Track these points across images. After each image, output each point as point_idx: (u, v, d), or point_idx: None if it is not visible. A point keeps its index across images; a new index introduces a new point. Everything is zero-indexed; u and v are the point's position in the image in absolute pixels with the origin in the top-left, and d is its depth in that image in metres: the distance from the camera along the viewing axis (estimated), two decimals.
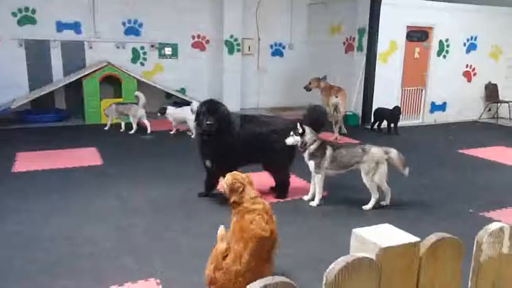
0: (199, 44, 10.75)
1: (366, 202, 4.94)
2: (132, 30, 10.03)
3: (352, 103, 9.97)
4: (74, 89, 9.17)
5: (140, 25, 10.06)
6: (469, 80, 10.67)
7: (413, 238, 1.22)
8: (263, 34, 11.29)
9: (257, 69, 11.43)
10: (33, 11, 9.13)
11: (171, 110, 8.09)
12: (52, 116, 9.05)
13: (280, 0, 11.40)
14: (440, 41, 10.01)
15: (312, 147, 4.69)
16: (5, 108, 8.57)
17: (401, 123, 9.11)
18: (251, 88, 11.38)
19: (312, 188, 4.90)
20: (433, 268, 1.28)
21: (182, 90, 10.50)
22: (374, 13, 9.21)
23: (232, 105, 10.53)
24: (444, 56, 10.15)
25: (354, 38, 10.10)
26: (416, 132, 9.40)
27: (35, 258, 3.52)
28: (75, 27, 9.52)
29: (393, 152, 4.72)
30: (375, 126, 9.14)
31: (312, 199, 4.89)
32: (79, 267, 3.40)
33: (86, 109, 8.92)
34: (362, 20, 9.62)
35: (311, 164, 4.75)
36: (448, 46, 10.12)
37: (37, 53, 9.30)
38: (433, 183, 5.84)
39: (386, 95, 9.54)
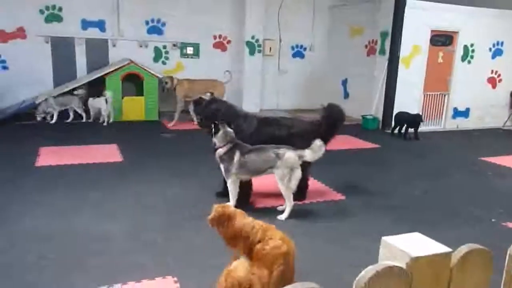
0: (220, 45, 10.80)
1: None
2: (155, 29, 10.14)
3: (373, 107, 9.88)
4: (97, 86, 9.30)
5: (163, 24, 10.16)
6: (494, 87, 10.46)
7: (444, 248, 1.20)
8: (284, 36, 11.28)
9: (278, 70, 11.43)
10: (60, 9, 9.31)
11: (91, 101, 8.82)
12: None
13: (302, 2, 11.37)
14: (465, 46, 9.83)
15: (221, 150, 4.43)
16: (30, 103, 8.76)
17: (422, 128, 8.99)
18: (271, 89, 11.38)
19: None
20: (463, 279, 1.26)
21: None
22: (397, 17, 9.10)
23: (252, 106, 10.59)
24: (469, 62, 9.97)
25: (376, 41, 10.00)
26: (437, 137, 9.26)
27: (51, 252, 3.58)
28: (100, 25, 9.68)
29: (307, 154, 4.36)
30: (396, 131, 9.02)
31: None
32: (95, 262, 3.44)
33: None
34: (385, 23, 9.52)
35: (221, 168, 4.51)
36: (473, 51, 9.94)
37: (62, 50, 9.48)
38: (453, 189, 5.74)
39: (407, 100, 9.42)
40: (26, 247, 3.66)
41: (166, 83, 9.00)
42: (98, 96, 8.78)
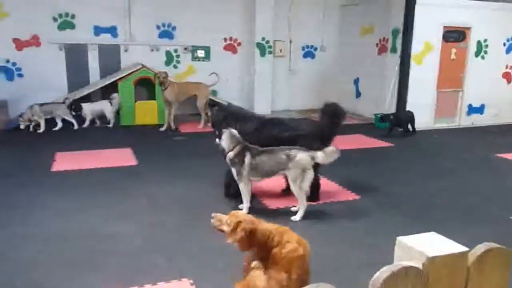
0: (231, 47, 10.83)
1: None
2: (166, 33, 10.20)
3: (386, 106, 9.80)
4: (110, 91, 9.41)
5: (174, 28, 10.23)
6: (509, 81, 10.30)
7: (461, 248, 1.19)
8: (295, 36, 11.26)
9: (289, 71, 11.43)
10: (73, 16, 9.43)
11: (86, 106, 8.88)
12: None
13: (312, 2, 11.34)
14: (478, 42, 9.70)
15: (231, 153, 4.39)
16: None
17: (436, 125, 8.86)
18: (282, 90, 11.38)
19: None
20: (481, 279, 1.24)
21: (214, 92, 10.59)
22: (408, 14, 9.02)
23: (263, 107, 10.60)
24: (483, 57, 9.83)
25: (387, 40, 9.93)
26: (452, 135, 9.15)
27: (66, 255, 3.62)
28: (112, 31, 9.78)
29: (319, 156, 4.32)
30: (409, 128, 8.93)
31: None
32: (111, 264, 3.48)
33: (121, 110, 9.15)
34: (395, 21, 9.45)
35: (233, 171, 4.48)
36: (486, 46, 9.79)
37: (75, 56, 9.60)
38: (469, 187, 5.66)
39: (420, 98, 9.33)
40: (40, 247, 3.72)
41: (164, 77, 8.57)
42: (95, 101, 8.98)
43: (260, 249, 2.77)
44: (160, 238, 3.97)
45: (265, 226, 2.85)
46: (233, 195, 4.85)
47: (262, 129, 4.96)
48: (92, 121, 9.01)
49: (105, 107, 8.90)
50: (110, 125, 8.92)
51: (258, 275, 2.64)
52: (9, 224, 4.21)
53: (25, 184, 5.37)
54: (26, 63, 9.26)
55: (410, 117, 8.96)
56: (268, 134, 4.87)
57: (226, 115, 5.12)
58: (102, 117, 9.04)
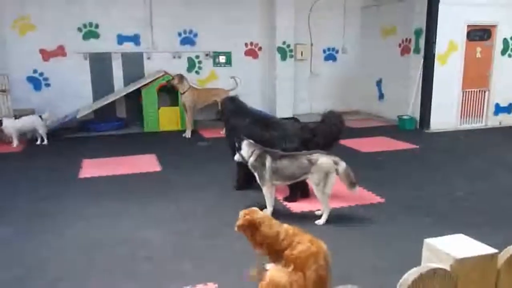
0: (252, 52, 10.88)
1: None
2: (188, 40, 10.34)
3: (410, 107, 9.66)
4: (134, 98, 9.58)
5: (195, 35, 10.35)
6: None
7: (489, 250, 1.16)
8: (316, 39, 11.23)
9: (310, 73, 11.39)
10: (97, 26, 9.67)
11: (9, 122, 7.83)
12: (113, 125, 9.50)
13: (333, 4, 11.29)
14: (504, 39, 9.47)
15: (251, 159, 4.50)
16: (71, 117, 9.11)
17: (462, 126, 8.68)
18: (304, 94, 11.35)
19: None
20: (511, 281, 1.22)
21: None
22: (432, 13, 8.90)
23: (285, 111, 10.60)
24: (510, 55, 9.60)
25: (409, 40, 9.80)
26: (479, 135, 8.94)
27: (97, 261, 3.69)
28: (135, 39, 9.97)
29: (341, 166, 4.31)
30: None
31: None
32: (139, 270, 3.53)
33: (145, 117, 9.30)
34: (418, 21, 9.32)
35: (256, 175, 4.55)
36: None
37: (100, 65, 9.83)
38: (498, 189, 5.52)
39: (445, 98, 9.18)
40: (73, 255, 3.80)
41: (173, 78, 8.76)
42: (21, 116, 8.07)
43: (270, 250, 2.87)
44: (187, 244, 4.00)
45: (275, 226, 2.94)
46: (243, 187, 5.39)
47: (252, 125, 5.24)
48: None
49: (36, 122, 8.02)
50: (44, 142, 8.10)
51: (279, 272, 2.68)
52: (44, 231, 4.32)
53: (53, 191, 5.50)
54: (53, 73, 9.53)
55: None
56: (255, 132, 5.07)
57: (227, 109, 5.65)
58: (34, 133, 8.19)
